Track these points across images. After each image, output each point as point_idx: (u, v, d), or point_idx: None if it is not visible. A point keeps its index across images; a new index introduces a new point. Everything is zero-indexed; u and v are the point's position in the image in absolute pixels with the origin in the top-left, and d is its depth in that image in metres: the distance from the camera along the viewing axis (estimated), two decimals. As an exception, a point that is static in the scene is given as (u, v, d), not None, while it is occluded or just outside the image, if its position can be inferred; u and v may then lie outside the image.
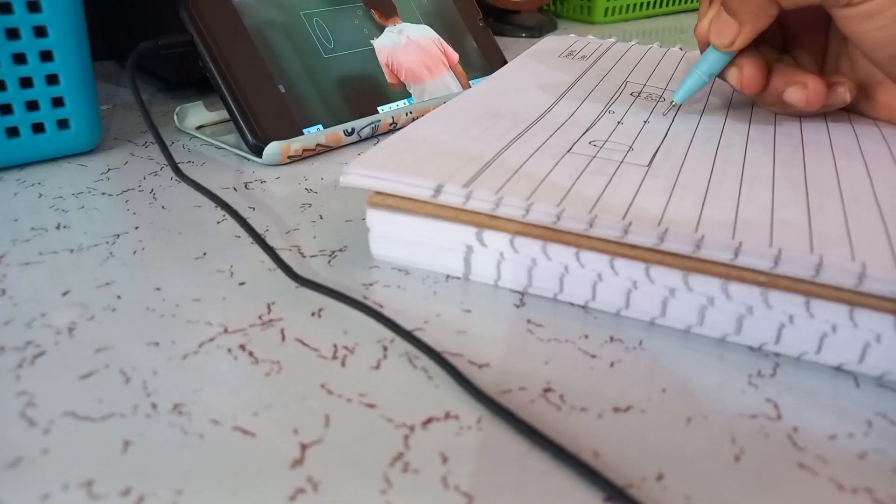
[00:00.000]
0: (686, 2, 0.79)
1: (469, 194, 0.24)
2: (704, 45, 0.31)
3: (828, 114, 0.32)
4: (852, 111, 0.33)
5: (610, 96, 0.34)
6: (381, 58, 0.41)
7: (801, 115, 0.32)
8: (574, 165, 0.26)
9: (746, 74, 0.30)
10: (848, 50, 0.32)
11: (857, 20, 0.28)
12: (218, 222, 0.30)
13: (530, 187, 0.24)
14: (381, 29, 0.42)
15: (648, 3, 0.76)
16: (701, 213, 0.23)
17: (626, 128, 0.30)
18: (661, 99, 0.34)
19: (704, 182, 0.25)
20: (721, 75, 0.31)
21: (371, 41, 0.41)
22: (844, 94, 0.30)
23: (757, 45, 0.30)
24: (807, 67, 0.32)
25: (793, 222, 0.22)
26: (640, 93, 0.35)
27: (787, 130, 0.30)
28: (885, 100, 0.32)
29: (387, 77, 0.41)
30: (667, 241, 0.21)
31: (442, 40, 0.44)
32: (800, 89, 0.30)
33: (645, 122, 0.31)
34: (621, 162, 0.26)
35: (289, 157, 0.36)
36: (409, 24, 0.43)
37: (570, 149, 0.27)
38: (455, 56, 0.45)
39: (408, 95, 0.41)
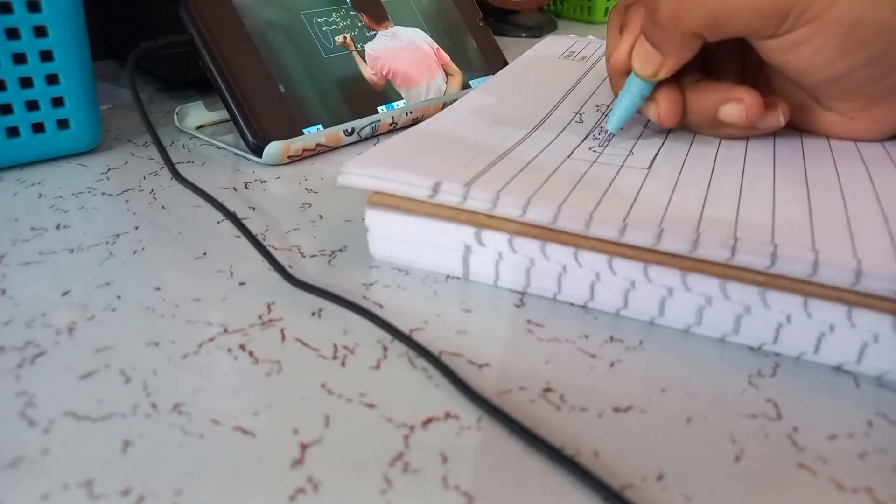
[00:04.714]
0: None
1: (467, 193, 0.24)
2: (619, 75, 0.29)
3: None
4: (796, 129, 0.30)
5: (609, 100, 0.34)
6: (376, 63, 0.41)
7: (732, 137, 0.29)
8: (574, 171, 0.26)
9: (663, 109, 0.28)
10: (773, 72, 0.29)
11: (781, 51, 0.26)
12: (218, 222, 0.30)
13: (531, 189, 0.24)
14: (369, 34, 0.42)
15: (648, 3, 0.76)
16: (702, 212, 0.23)
17: (626, 132, 0.30)
18: None
19: (705, 182, 0.25)
20: (640, 111, 0.29)
21: (363, 46, 0.41)
22: (779, 116, 0.28)
23: (677, 74, 0.28)
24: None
25: (794, 221, 0.22)
26: None
27: (786, 132, 0.30)
28: (822, 119, 0.29)
29: (369, 77, 0.40)
30: (663, 241, 0.21)
31: (431, 40, 0.44)
32: (735, 105, 0.28)
33: (645, 126, 0.31)
34: (621, 166, 0.26)
35: (289, 157, 0.36)
36: (400, 27, 0.43)
37: (570, 154, 0.27)
38: (446, 56, 0.45)
39: (392, 100, 0.41)
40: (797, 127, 0.30)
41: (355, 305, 0.23)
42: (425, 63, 0.43)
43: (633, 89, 0.29)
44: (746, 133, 0.29)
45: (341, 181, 0.25)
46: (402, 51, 0.42)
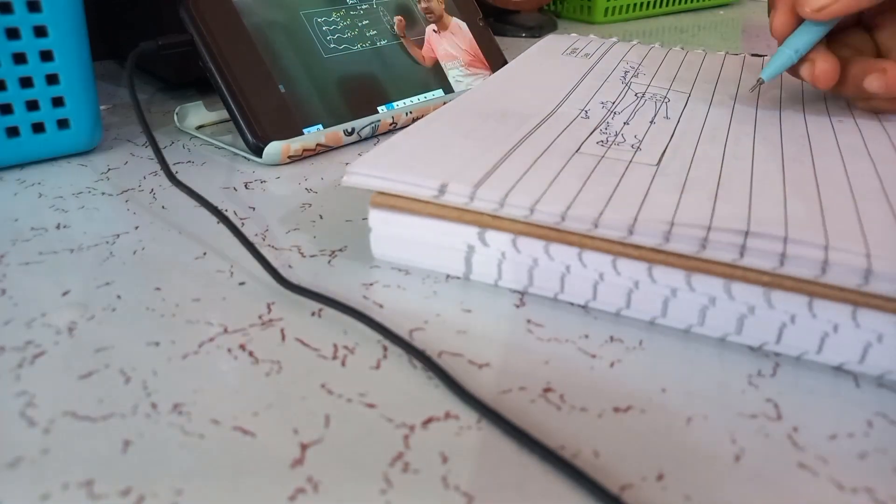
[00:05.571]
0: (686, 2, 0.79)
1: (473, 194, 0.24)
2: (782, 35, 0.31)
3: (832, 114, 0.32)
4: None
5: (615, 97, 0.34)
6: (464, 39, 0.45)
7: (885, 110, 0.32)
8: (583, 165, 0.26)
9: (819, 68, 0.30)
10: None
11: None
12: (218, 222, 0.30)
13: (540, 188, 0.24)
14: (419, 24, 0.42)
15: (648, 3, 0.76)
16: (712, 213, 0.23)
17: (633, 128, 0.30)
18: (666, 99, 0.34)
19: (715, 180, 0.25)
20: (793, 70, 0.31)
21: (456, 21, 0.45)
22: None
23: (831, 42, 0.30)
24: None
25: (806, 220, 0.22)
26: (644, 93, 0.35)
27: (793, 130, 0.30)
28: None
29: (466, 60, 0.45)
30: (672, 242, 0.21)
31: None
32: (879, 76, 0.29)
33: (651, 122, 0.31)
34: (630, 161, 0.26)
35: (289, 157, 0.36)
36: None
37: (578, 149, 0.27)
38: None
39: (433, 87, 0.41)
40: None
41: (351, 309, 0.23)
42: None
43: (792, 44, 0.30)
44: (894, 106, 0.31)
45: (346, 181, 0.25)
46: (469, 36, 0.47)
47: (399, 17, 0.42)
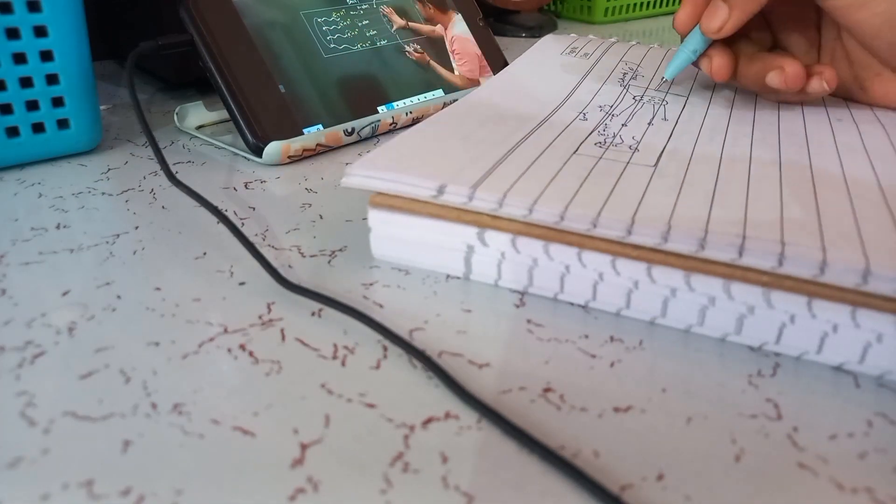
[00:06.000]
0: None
1: (472, 195, 0.24)
2: (684, 31, 0.33)
3: (831, 112, 0.32)
4: (847, 100, 0.34)
5: (613, 100, 0.34)
6: (470, 47, 0.44)
7: (790, 101, 0.33)
8: (581, 166, 0.26)
9: (715, 63, 0.32)
10: (843, 44, 0.33)
11: (852, 9, 0.28)
12: (218, 222, 0.30)
13: (538, 189, 0.24)
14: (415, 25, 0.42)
15: (648, 3, 0.76)
16: (710, 212, 0.23)
17: (631, 130, 0.30)
18: (665, 101, 0.34)
19: (712, 181, 0.25)
20: (695, 63, 0.34)
21: (454, 29, 0.43)
22: (821, 84, 0.31)
23: (734, 40, 0.32)
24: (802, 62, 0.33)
25: (802, 220, 0.22)
26: (642, 96, 0.35)
27: (791, 129, 0.30)
28: (882, 90, 0.33)
29: (458, 68, 0.44)
30: (670, 241, 0.21)
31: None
32: (778, 73, 0.31)
33: (649, 123, 0.31)
34: (627, 163, 0.26)
35: (289, 157, 0.36)
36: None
37: (577, 150, 0.27)
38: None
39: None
40: (857, 100, 0.34)
41: (351, 309, 0.23)
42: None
43: (690, 45, 0.33)
44: (798, 97, 0.33)
45: (346, 182, 0.25)
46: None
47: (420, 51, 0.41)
